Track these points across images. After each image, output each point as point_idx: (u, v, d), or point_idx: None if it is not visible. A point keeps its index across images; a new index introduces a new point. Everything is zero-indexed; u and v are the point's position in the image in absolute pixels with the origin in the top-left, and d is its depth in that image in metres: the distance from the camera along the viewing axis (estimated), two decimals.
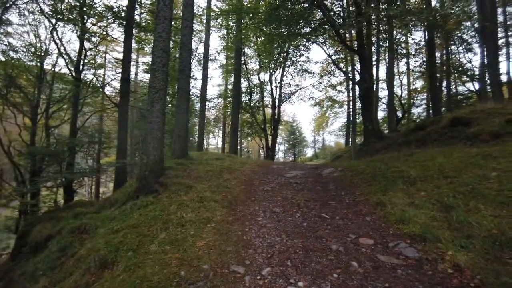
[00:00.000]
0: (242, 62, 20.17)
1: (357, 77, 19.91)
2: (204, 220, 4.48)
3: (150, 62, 8.36)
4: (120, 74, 14.01)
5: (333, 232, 4.09)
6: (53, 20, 15.03)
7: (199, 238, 3.95)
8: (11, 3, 12.43)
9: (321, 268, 3.17)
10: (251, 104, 22.96)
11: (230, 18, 17.49)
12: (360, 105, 14.64)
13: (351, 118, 25.43)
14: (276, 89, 22.80)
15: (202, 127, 19.31)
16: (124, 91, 12.21)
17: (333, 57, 19.96)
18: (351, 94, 25.25)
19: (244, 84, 22.01)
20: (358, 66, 18.73)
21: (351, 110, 25.34)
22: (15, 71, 14.72)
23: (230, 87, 26.17)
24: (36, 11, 15.10)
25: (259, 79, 23.49)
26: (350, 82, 24.61)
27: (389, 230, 3.95)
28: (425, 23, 8.08)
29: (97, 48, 17.88)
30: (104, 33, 16.58)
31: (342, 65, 22.92)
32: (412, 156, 6.91)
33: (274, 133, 22.55)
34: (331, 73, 25.31)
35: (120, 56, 18.59)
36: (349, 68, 23.04)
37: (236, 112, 18.36)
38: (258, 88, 23.40)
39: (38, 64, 15.97)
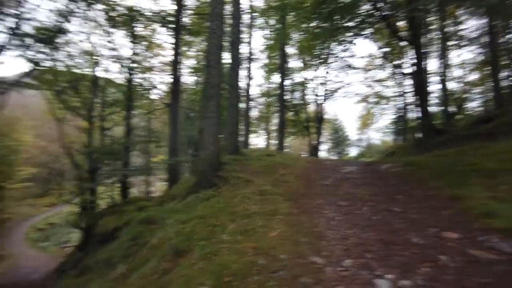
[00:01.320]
0: (285, 60, 20.04)
1: (406, 70, 19.13)
2: (270, 212, 4.46)
3: (197, 61, 8.53)
4: (169, 76, 14.56)
5: (409, 226, 3.86)
6: (107, 27, 15.98)
7: (269, 229, 3.92)
8: (72, 12, 13.33)
9: (407, 261, 2.99)
10: (294, 102, 22.75)
11: (274, 16, 17.42)
12: (414, 99, 13.90)
13: (399, 114, 24.18)
14: (319, 86, 22.41)
15: (247, 126, 19.52)
16: (175, 90, 12.65)
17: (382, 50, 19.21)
18: (400, 89, 23.90)
19: (287, 82, 21.84)
20: (408, 59, 17.93)
21: (400, 105, 24.05)
22: (73, 77, 15.88)
23: (272, 86, 26.05)
24: (91, 19, 16.12)
25: (302, 76, 23.21)
26: (398, 76, 23.41)
27: (473, 224, 3.65)
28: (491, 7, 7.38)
29: (146, 52, 18.70)
30: (153, 37, 17.36)
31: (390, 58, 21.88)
32: (482, 150, 6.42)
33: (318, 131, 22.19)
34: (378, 67, 24.27)
35: (165, 59, 19.40)
36: (396, 62, 21.95)
37: (282, 110, 18.33)
38: (300, 86, 23.10)
39: (93, 70, 17.10)
